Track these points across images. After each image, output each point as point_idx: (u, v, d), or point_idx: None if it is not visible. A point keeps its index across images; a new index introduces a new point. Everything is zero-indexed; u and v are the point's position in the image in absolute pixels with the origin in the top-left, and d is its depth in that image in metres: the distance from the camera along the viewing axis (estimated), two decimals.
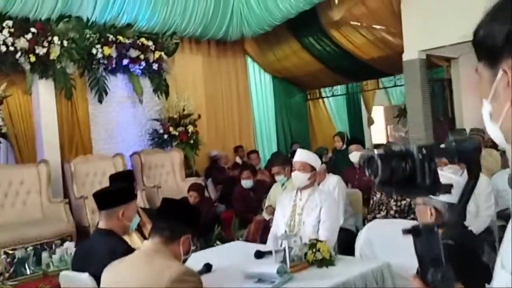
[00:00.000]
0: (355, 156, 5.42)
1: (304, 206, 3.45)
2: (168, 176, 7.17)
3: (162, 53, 7.44)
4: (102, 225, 2.86)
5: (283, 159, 5.33)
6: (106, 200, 2.63)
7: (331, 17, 8.21)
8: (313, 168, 3.43)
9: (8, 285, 3.79)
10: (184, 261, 2.16)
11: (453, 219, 1.95)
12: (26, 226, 5.24)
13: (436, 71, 8.85)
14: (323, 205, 3.37)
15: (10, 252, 4.58)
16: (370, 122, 12.39)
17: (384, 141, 13.05)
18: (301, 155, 3.49)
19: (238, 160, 8.63)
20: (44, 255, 4.55)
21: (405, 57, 7.53)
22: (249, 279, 2.56)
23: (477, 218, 3.71)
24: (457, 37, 7.06)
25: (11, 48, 5.83)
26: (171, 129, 7.27)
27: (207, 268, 2.82)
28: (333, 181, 4.55)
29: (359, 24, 8.21)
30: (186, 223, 2.15)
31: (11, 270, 4.35)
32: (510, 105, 0.77)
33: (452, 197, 1.19)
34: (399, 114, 10.96)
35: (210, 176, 7.85)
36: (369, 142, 12.37)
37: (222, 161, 8.18)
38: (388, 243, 3.03)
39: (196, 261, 2.94)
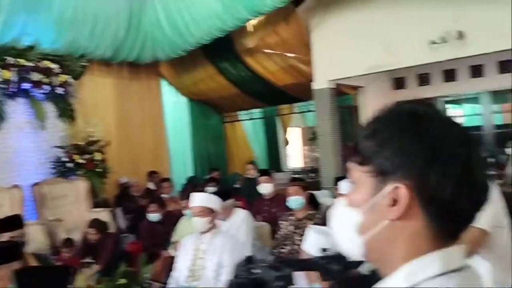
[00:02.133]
0: (264, 187, 5.46)
1: (207, 250, 3.39)
2: (72, 207, 6.75)
3: (68, 77, 7.08)
4: None
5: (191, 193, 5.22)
6: None
7: (245, 44, 8.32)
8: (212, 210, 3.39)
9: None
10: None
11: None
12: None
13: (345, 98, 9.23)
14: (226, 248, 3.33)
15: None
16: (286, 143, 12.68)
17: (301, 163, 13.40)
18: (199, 200, 3.43)
19: (151, 186, 8.36)
20: None
21: (315, 86, 7.79)
22: None
23: None
24: (363, 69, 7.46)
25: None
26: (75, 156, 6.89)
27: None
28: (240, 216, 4.52)
29: (272, 52, 8.38)
30: None
31: None
32: (387, 224, 0.73)
33: None
34: (313, 137, 11.32)
35: (120, 205, 7.53)
36: (286, 164, 12.65)
37: (133, 189, 7.89)
38: None
39: None
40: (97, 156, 7.12)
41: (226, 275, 3.26)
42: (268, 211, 5.31)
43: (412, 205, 0.72)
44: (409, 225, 0.73)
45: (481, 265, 1.82)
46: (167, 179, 7.62)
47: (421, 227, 0.72)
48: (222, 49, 8.54)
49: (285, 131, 12.46)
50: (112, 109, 8.39)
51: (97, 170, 7.13)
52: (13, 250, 2.57)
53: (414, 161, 0.72)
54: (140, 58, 8.28)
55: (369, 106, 9.12)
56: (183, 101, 10.15)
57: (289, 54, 8.39)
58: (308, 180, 10.11)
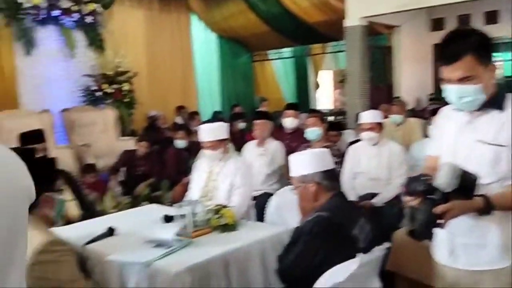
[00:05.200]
0: (289, 121, 5.41)
1: (219, 173, 3.45)
2: (101, 135, 6.97)
3: (97, 5, 7.07)
4: None
5: None
6: None
7: None
8: (222, 141, 3.41)
9: None
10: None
11: None
12: None
13: (378, 38, 8.93)
14: (237, 172, 3.38)
15: None
16: (317, 86, 12.48)
17: (331, 106, 13.23)
18: (207, 134, 3.40)
19: (178, 120, 8.49)
20: None
21: (347, 23, 7.54)
22: (148, 243, 2.55)
23: (388, 186, 3.84)
24: (398, 6, 7.14)
25: None
26: (104, 86, 7.02)
27: (110, 231, 2.78)
28: (276, 145, 4.59)
29: None
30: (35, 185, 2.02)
31: None
32: None
33: None
34: (343, 79, 11.09)
35: (148, 136, 7.70)
36: (315, 106, 12.52)
37: (160, 121, 8.04)
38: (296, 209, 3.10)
39: (104, 224, 2.91)
40: (125, 86, 7.24)
41: (237, 196, 3.34)
42: (288, 144, 5.31)
43: None
44: None
45: None
46: (196, 113, 7.78)
47: None
48: None
49: (316, 72, 12.24)
50: (141, 41, 8.40)
51: (125, 100, 7.27)
52: (52, 164, 2.28)
53: None
54: None
55: (404, 47, 8.82)
56: (212, 37, 10.05)
57: None
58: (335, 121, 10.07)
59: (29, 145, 3.38)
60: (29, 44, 6.52)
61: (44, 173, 2.07)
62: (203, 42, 9.86)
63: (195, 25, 9.67)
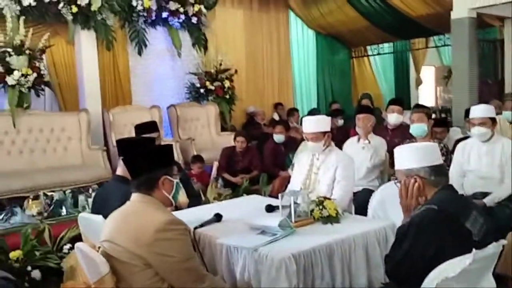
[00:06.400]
0: (394, 117, 5.27)
1: (321, 166, 3.47)
2: (203, 130, 7.33)
3: (202, 6, 7.43)
4: (120, 171, 3.02)
5: None
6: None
7: None
8: (324, 133, 3.42)
9: (46, 224, 4.07)
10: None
11: None
12: (65, 171, 5.57)
13: (488, 31, 8.35)
14: (339, 165, 3.38)
15: (49, 193, 4.91)
16: (418, 82, 11.97)
17: (433, 103, 12.61)
18: (310, 126, 3.44)
19: (276, 117, 8.64)
20: (81, 198, 4.85)
21: (454, 15, 7.14)
22: (253, 230, 2.64)
23: (501, 185, 3.60)
24: None
25: None
26: (207, 83, 7.36)
27: (217, 217, 2.92)
28: (379, 140, 4.55)
29: None
30: (153, 169, 2.15)
31: (50, 210, 4.69)
32: None
33: None
34: (448, 75, 10.52)
35: (247, 132, 7.94)
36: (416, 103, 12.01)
37: (258, 117, 8.24)
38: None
39: (210, 211, 3.07)
40: (226, 83, 7.52)
41: (339, 190, 3.33)
42: (390, 141, 5.17)
43: None
44: None
45: None
46: (296, 109, 7.93)
47: None
48: None
49: (416, 67, 11.74)
50: (241, 40, 8.67)
51: (226, 97, 7.55)
52: (171, 150, 2.33)
53: None
54: None
55: None
56: (310, 34, 10.07)
57: None
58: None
59: (145, 134, 3.65)
60: (140, 44, 7.02)
61: (164, 158, 2.25)
62: (301, 39, 9.92)
63: (293, 23, 9.76)
